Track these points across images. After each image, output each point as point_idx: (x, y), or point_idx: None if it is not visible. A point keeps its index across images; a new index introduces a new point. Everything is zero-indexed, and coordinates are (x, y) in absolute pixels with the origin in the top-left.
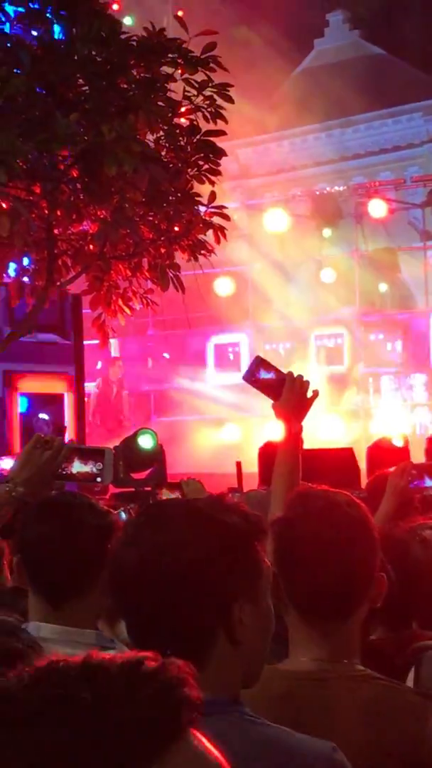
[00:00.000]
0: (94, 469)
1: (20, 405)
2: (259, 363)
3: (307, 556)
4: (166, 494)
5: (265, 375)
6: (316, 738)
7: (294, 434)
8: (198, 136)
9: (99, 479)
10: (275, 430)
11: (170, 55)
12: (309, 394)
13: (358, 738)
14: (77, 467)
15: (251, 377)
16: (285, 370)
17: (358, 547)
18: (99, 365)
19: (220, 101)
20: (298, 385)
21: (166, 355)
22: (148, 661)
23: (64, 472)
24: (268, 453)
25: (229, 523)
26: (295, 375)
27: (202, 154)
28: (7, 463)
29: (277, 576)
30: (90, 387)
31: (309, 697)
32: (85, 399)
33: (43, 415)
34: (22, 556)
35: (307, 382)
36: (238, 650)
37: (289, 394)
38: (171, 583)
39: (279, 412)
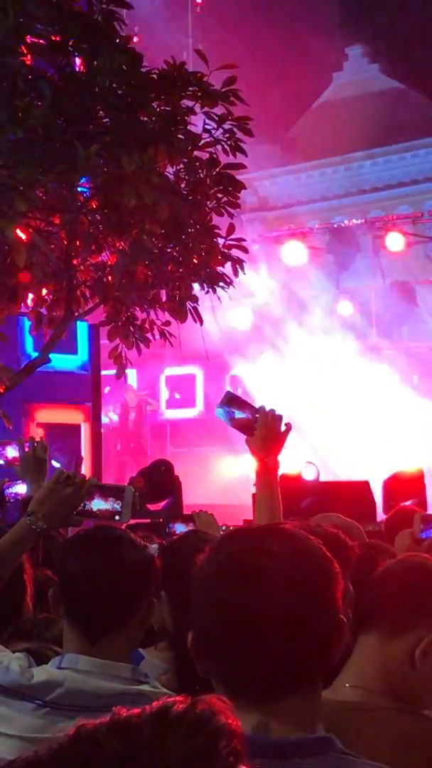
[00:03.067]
0: (114, 507)
1: (36, 435)
2: (230, 399)
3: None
4: (179, 527)
5: (236, 412)
6: None
7: (270, 469)
8: (217, 169)
9: (118, 517)
10: (290, 463)
11: (191, 89)
12: (282, 428)
13: None
14: (97, 504)
15: (222, 415)
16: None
17: None
18: (106, 390)
19: (239, 134)
20: (271, 420)
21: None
22: (177, 705)
23: (85, 509)
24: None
25: (319, 546)
26: (267, 409)
27: (221, 187)
28: (21, 488)
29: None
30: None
31: (349, 728)
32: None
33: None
34: (60, 590)
35: (280, 417)
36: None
37: (262, 430)
38: (290, 615)
39: (253, 448)
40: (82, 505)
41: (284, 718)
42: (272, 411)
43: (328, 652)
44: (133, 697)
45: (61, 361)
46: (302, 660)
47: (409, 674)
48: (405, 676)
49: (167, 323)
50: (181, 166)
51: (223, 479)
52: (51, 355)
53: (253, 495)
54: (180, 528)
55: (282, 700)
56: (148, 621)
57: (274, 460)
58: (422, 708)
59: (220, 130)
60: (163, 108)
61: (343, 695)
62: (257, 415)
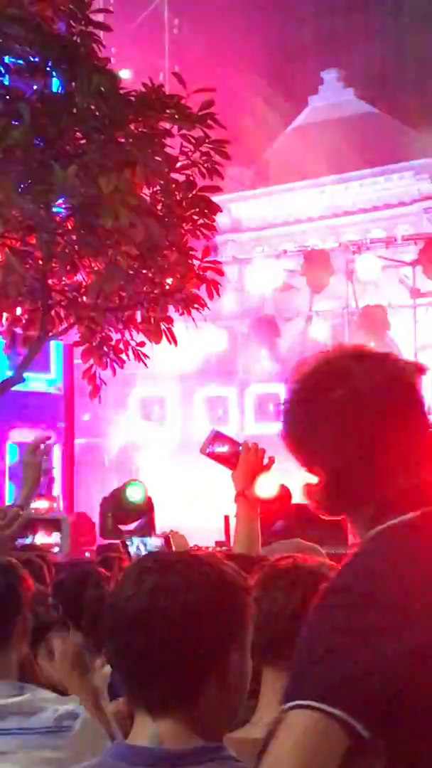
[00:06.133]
0: (54, 539)
1: (10, 455)
2: (214, 437)
3: None
4: (154, 541)
5: (220, 448)
6: None
7: (251, 502)
8: (194, 192)
9: (57, 549)
10: (263, 485)
11: (168, 111)
12: (265, 461)
13: None
14: (38, 537)
15: (207, 451)
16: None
17: None
18: (87, 417)
19: (216, 157)
20: (253, 454)
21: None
22: None
23: (26, 542)
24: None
25: (228, 573)
26: (251, 444)
27: (197, 209)
28: None
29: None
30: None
31: None
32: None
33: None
34: None
35: (263, 450)
36: (224, 696)
37: (244, 465)
38: (175, 625)
39: (236, 481)
40: (23, 537)
41: (176, 731)
42: (255, 445)
43: (201, 677)
44: (19, 705)
45: (34, 381)
46: (178, 679)
47: None
48: None
49: (141, 344)
50: (158, 187)
51: (194, 500)
52: (24, 375)
53: (225, 516)
54: (136, 542)
55: (171, 712)
56: (28, 631)
57: (254, 493)
58: None
59: (197, 153)
60: (140, 130)
61: (262, 733)
62: (240, 450)
